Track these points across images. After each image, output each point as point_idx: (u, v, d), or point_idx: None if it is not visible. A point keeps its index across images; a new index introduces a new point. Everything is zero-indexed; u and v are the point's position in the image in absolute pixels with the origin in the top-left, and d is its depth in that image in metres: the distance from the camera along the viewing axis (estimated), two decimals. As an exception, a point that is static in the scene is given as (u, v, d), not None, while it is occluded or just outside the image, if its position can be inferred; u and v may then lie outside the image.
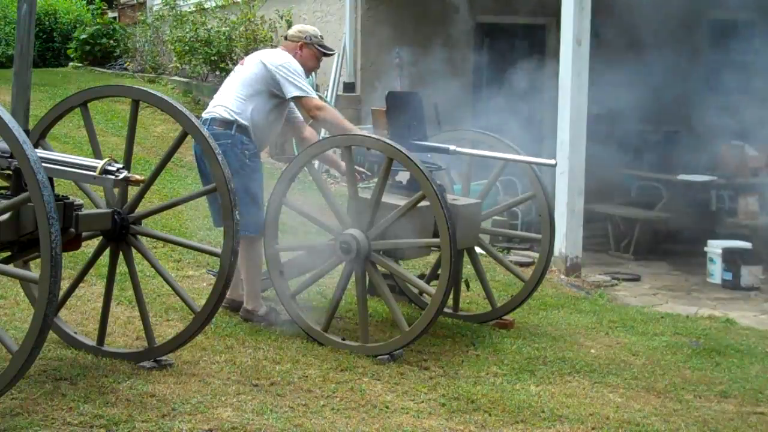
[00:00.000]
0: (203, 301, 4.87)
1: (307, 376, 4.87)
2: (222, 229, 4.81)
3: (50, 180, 3.94)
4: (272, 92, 5.79)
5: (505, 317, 6.38)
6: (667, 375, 5.60)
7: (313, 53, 6.00)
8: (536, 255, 7.23)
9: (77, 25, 17.94)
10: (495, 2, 11.85)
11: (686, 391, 5.34)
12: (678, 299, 8.22)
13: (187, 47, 12.91)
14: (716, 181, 10.42)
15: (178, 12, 13.98)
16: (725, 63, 11.20)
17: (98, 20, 17.12)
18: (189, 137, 4.77)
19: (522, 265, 8.30)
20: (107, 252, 4.91)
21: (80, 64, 16.25)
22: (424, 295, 6.29)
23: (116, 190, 4.76)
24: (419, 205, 5.30)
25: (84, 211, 4.48)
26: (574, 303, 7.46)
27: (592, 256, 9.43)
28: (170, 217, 7.84)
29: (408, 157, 5.20)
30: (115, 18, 18.85)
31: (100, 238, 4.86)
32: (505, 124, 7.22)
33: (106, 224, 4.69)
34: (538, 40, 12.07)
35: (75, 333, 5.01)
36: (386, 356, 5.25)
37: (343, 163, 5.82)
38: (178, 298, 5.17)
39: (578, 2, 8.32)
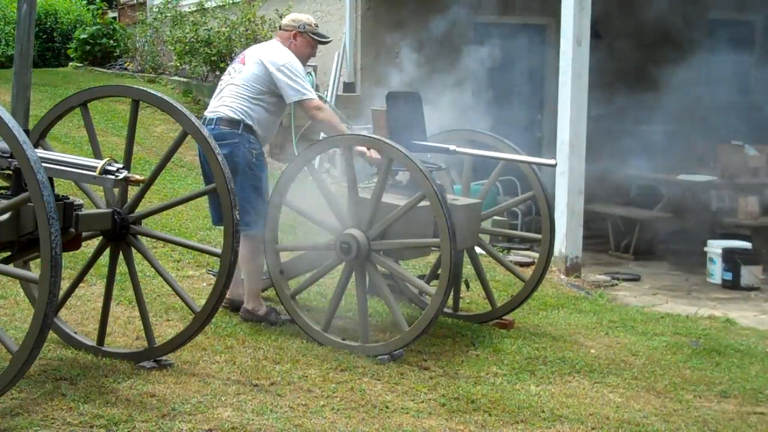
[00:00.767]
0: (203, 301, 4.87)
1: (307, 376, 4.87)
2: (222, 228, 4.82)
3: (50, 180, 3.94)
4: (273, 91, 5.79)
5: (505, 317, 6.38)
6: (667, 375, 5.60)
7: (307, 41, 6.00)
8: (536, 255, 7.23)
9: (77, 25, 17.94)
10: (495, 2, 11.85)
11: (686, 391, 5.34)
12: (678, 299, 8.22)
13: (187, 47, 12.90)
14: (716, 181, 10.42)
15: (178, 12, 13.97)
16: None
17: (98, 20, 17.10)
18: (189, 137, 4.76)
19: (522, 265, 8.30)
20: (107, 252, 4.91)
21: (80, 64, 16.24)
22: (424, 295, 6.29)
23: (116, 190, 4.76)
24: (419, 205, 5.30)
25: (84, 211, 4.48)
26: (574, 303, 7.46)
27: (592, 256, 9.44)
28: (170, 217, 7.84)
29: (408, 157, 5.20)
30: (115, 18, 18.82)
31: (100, 238, 4.86)
32: (505, 123, 7.23)
33: (106, 224, 4.69)
34: (538, 40, 12.07)
35: (75, 333, 5.01)
36: (386, 356, 5.25)
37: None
38: (178, 298, 5.17)
39: (578, 2, 8.32)
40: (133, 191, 4.85)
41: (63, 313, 5.15)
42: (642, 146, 10.17)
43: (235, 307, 5.94)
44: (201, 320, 4.74)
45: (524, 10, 11.62)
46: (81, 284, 5.43)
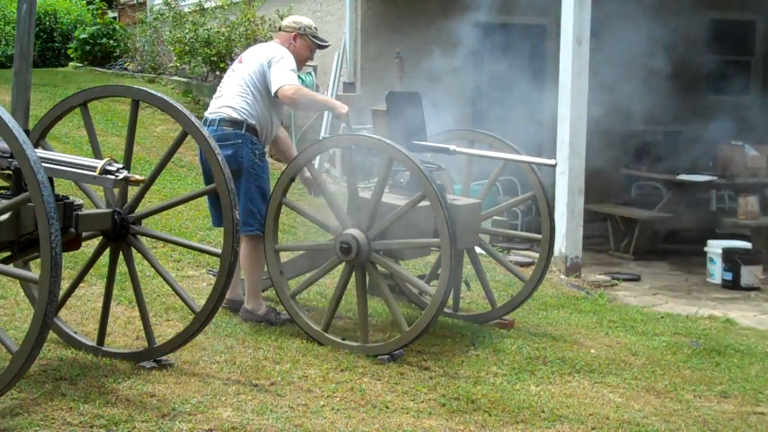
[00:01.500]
0: (203, 301, 4.87)
1: (307, 376, 4.87)
2: (222, 228, 4.81)
3: (50, 180, 3.94)
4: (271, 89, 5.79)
5: (505, 317, 6.38)
6: (667, 375, 5.60)
7: (306, 44, 6.00)
8: (536, 255, 7.23)
9: (77, 25, 17.93)
10: (495, 2, 11.84)
11: (686, 391, 5.34)
12: (678, 299, 8.22)
13: (186, 47, 12.91)
14: (716, 181, 10.43)
15: (178, 12, 13.97)
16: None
17: (98, 20, 17.09)
18: (189, 137, 4.76)
19: (522, 265, 8.30)
20: (107, 252, 4.91)
21: (80, 64, 16.24)
22: (424, 295, 6.29)
23: (116, 190, 4.76)
24: (419, 205, 5.31)
25: (84, 211, 4.48)
26: (574, 303, 7.46)
27: (592, 256, 9.44)
28: (170, 217, 7.84)
29: (408, 157, 5.20)
30: (115, 18, 18.81)
31: (100, 238, 4.86)
32: (505, 124, 7.23)
33: (106, 224, 4.69)
34: (538, 40, 12.06)
35: (75, 333, 5.01)
36: (386, 356, 5.25)
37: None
38: (178, 298, 5.17)
39: (578, 2, 8.32)
40: (133, 191, 4.85)
41: (63, 313, 5.14)
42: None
43: (235, 307, 5.94)
44: (201, 320, 4.74)
45: (525, 10, 11.61)
46: (81, 284, 5.43)
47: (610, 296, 8.01)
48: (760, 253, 9.10)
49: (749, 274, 8.72)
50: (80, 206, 4.44)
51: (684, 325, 7.00)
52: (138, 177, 4.37)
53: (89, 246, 5.25)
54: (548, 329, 6.46)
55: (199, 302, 5.05)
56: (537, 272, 6.37)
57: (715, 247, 9.02)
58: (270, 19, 12.55)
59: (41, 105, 9.92)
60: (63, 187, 6.48)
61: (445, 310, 6.13)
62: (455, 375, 5.17)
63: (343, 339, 5.45)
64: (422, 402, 4.68)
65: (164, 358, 4.81)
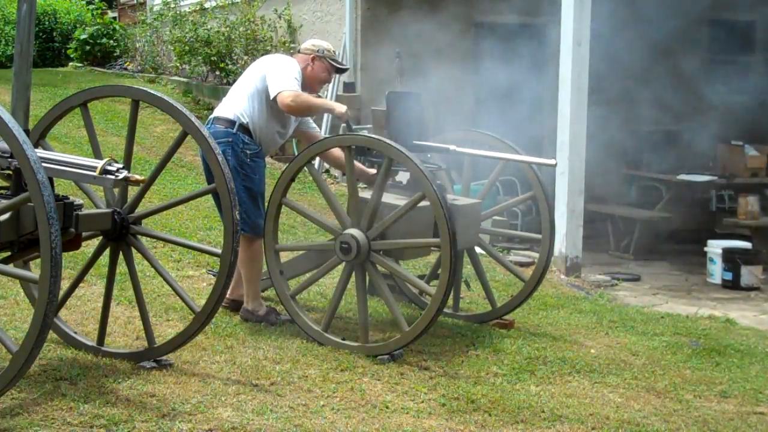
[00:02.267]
0: (203, 301, 4.87)
1: (307, 376, 4.87)
2: (222, 228, 4.81)
3: (50, 180, 3.94)
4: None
5: (505, 317, 6.38)
6: (667, 375, 5.60)
7: (324, 66, 5.97)
8: (536, 255, 7.23)
9: (77, 25, 17.94)
10: (495, 2, 11.84)
11: (686, 391, 5.34)
12: (678, 299, 8.22)
13: (186, 47, 12.92)
14: (716, 181, 10.43)
15: (178, 12, 13.98)
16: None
17: (98, 20, 17.11)
18: (189, 137, 4.76)
19: (522, 265, 8.30)
20: (107, 252, 4.91)
21: (80, 64, 16.25)
22: (424, 295, 6.29)
23: (116, 190, 4.76)
24: (419, 205, 5.31)
25: (84, 211, 4.48)
26: (574, 303, 7.46)
27: (592, 256, 9.43)
28: (170, 217, 7.84)
29: (408, 157, 5.21)
30: (115, 18, 18.83)
31: (100, 238, 4.86)
32: (505, 123, 7.22)
33: (106, 224, 4.69)
34: (537, 40, 12.07)
35: (75, 333, 5.01)
36: (386, 356, 5.25)
37: (371, 171, 5.82)
38: (178, 298, 5.17)
39: (578, 2, 8.32)
40: (133, 191, 4.85)
41: (63, 313, 5.15)
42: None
43: (235, 307, 5.94)
44: (201, 320, 4.74)
45: (524, 10, 11.61)
46: (81, 284, 5.43)
47: (610, 296, 8.01)
48: (760, 253, 9.10)
49: (749, 274, 8.73)
50: (80, 206, 4.44)
51: (684, 325, 7.00)
52: (138, 177, 4.37)
53: (89, 246, 5.25)
54: (548, 329, 6.46)
55: (199, 302, 5.05)
56: (537, 272, 6.37)
57: (715, 247, 9.03)
58: (270, 19, 12.56)
59: (41, 105, 9.93)
60: (63, 187, 6.48)
61: (445, 310, 6.13)
62: (455, 375, 5.17)
63: (343, 339, 5.45)
64: (422, 402, 4.68)
65: (164, 358, 4.81)
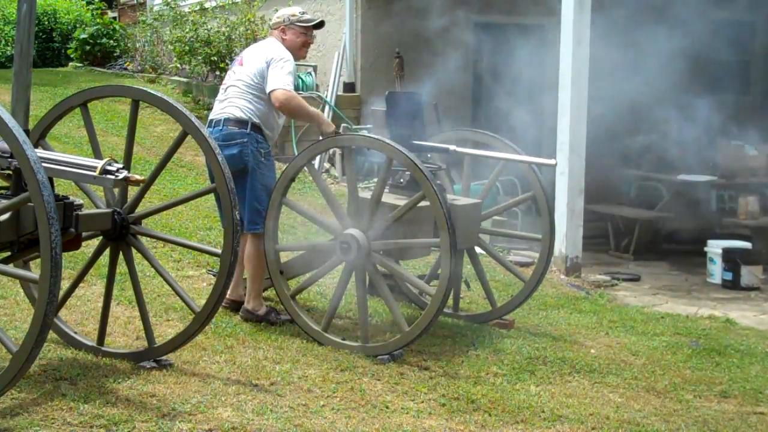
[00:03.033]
0: (203, 301, 4.87)
1: (307, 376, 4.87)
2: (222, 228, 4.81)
3: (50, 180, 3.94)
4: None
5: (505, 317, 6.38)
6: (667, 375, 5.60)
7: (296, 32, 5.98)
8: (536, 255, 7.23)
9: (77, 25, 17.93)
10: (495, 2, 11.85)
11: (686, 391, 5.34)
12: (678, 299, 8.22)
13: (186, 47, 12.90)
14: (716, 181, 10.42)
15: (178, 12, 13.97)
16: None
17: (98, 20, 17.08)
18: (189, 137, 4.76)
19: (522, 265, 8.30)
20: (107, 252, 4.91)
21: (80, 64, 16.23)
22: (424, 295, 6.29)
23: (116, 190, 4.76)
24: (419, 205, 5.30)
25: (84, 211, 4.48)
26: (574, 303, 7.46)
27: (592, 256, 9.44)
28: (170, 217, 7.84)
29: (408, 157, 5.21)
30: (115, 18, 18.81)
31: (100, 238, 4.86)
32: (505, 123, 7.22)
33: (106, 224, 4.70)
34: (537, 40, 12.07)
35: (75, 333, 5.01)
36: (386, 356, 5.25)
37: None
38: (178, 298, 5.17)
39: (578, 2, 8.32)
40: (133, 191, 4.85)
41: (63, 313, 5.14)
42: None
43: (235, 307, 5.94)
44: (201, 320, 4.74)
45: (524, 10, 11.61)
46: (81, 284, 5.43)
47: (610, 296, 8.01)
48: (760, 253, 9.10)
49: (749, 274, 8.73)
50: (80, 206, 4.44)
51: (684, 325, 7.00)
52: (138, 177, 4.37)
53: (89, 246, 5.25)
54: (548, 329, 6.46)
55: (199, 302, 5.05)
56: (537, 272, 6.37)
57: (715, 247, 9.03)
58: (270, 19, 12.55)
59: (41, 105, 9.92)
60: (63, 187, 6.48)
61: (445, 310, 6.13)
62: (455, 375, 5.17)
63: (343, 339, 5.46)
64: (422, 402, 4.68)
65: (164, 358, 4.81)
